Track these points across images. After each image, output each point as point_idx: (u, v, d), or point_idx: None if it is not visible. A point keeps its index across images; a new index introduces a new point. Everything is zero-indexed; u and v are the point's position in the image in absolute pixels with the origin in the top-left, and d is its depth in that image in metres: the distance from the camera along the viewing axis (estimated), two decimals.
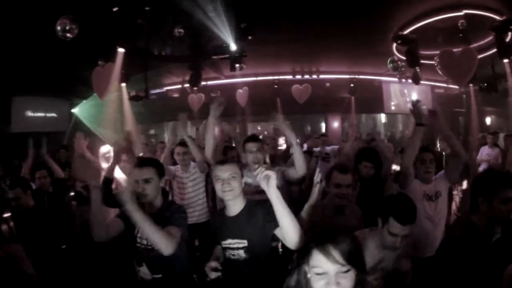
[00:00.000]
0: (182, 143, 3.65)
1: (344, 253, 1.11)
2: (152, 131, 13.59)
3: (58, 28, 4.40)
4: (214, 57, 5.90)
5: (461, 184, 4.38)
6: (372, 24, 6.01)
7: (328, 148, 5.28)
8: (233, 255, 1.96)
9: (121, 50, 5.53)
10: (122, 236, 2.11)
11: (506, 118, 9.54)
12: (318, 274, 1.13)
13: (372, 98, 9.84)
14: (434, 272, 2.04)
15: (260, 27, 5.60)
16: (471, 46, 5.98)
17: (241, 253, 1.94)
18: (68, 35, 4.44)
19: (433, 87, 9.75)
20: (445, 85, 9.37)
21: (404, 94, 9.78)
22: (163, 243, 1.79)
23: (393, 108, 9.61)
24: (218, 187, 1.94)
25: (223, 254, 2.01)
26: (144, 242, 2.03)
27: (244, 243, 1.93)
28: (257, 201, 2.02)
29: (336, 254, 1.10)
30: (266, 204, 1.77)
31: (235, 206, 1.97)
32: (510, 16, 5.56)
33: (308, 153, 4.21)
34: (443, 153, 4.70)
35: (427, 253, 2.51)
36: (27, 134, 8.24)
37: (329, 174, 2.53)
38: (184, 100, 9.53)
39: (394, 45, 6.68)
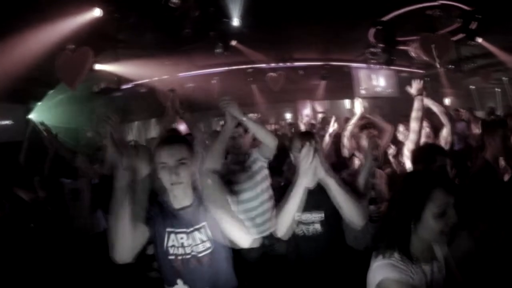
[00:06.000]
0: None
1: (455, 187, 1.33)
2: None
3: None
4: (211, 33, 5.42)
5: None
6: (346, 11, 6.12)
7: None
8: (307, 229, 1.91)
9: (97, 12, 4.33)
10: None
11: (462, 99, 10.43)
12: (439, 213, 1.22)
13: (342, 84, 10.15)
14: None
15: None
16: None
17: (317, 226, 1.91)
18: None
19: (398, 71, 10.29)
20: (409, 69, 9.95)
21: (371, 78, 10.20)
22: (239, 235, 1.52)
23: (363, 92, 9.96)
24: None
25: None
26: (181, 250, 1.57)
27: (321, 215, 1.91)
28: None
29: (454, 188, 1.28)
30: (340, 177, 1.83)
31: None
32: (476, 7, 6.05)
33: None
34: None
35: None
36: None
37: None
38: (152, 96, 8.83)
39: (371, 31, 6.86)
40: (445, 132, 3.13)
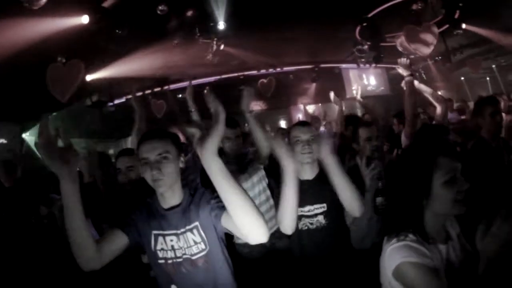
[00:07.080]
0: None
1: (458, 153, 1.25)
2: (111, 151, 12.41)
3: None
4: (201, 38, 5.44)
5: None
6: (332, 11, 6.19)
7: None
8: (311, 223, 1.85)
9: (85, 18, 4.42)
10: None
11: (453, 90, 10.49)
12: (446, 181, 1.15)
13: (333, 86, 10.16)
14: None
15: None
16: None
17: (321, 219, 1.85)
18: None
19: (387, 69, 10.38)
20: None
21: (362, 78, 10.26)
22: (256, 223, 1.15)
23: (354, 92, 10.01)
24: (297, 149, 1.84)
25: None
26: (170, 254, 1.47)
27: (323, 207, 1.85)
28: None
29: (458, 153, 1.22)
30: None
31: (312, 170, 1.90)
32: None
33: None
34: None
35: None
36: None
37: (355, 133, 2.60)
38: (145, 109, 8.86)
39: (358, 28, 6.95)
40: (438, 113, 3.12)
